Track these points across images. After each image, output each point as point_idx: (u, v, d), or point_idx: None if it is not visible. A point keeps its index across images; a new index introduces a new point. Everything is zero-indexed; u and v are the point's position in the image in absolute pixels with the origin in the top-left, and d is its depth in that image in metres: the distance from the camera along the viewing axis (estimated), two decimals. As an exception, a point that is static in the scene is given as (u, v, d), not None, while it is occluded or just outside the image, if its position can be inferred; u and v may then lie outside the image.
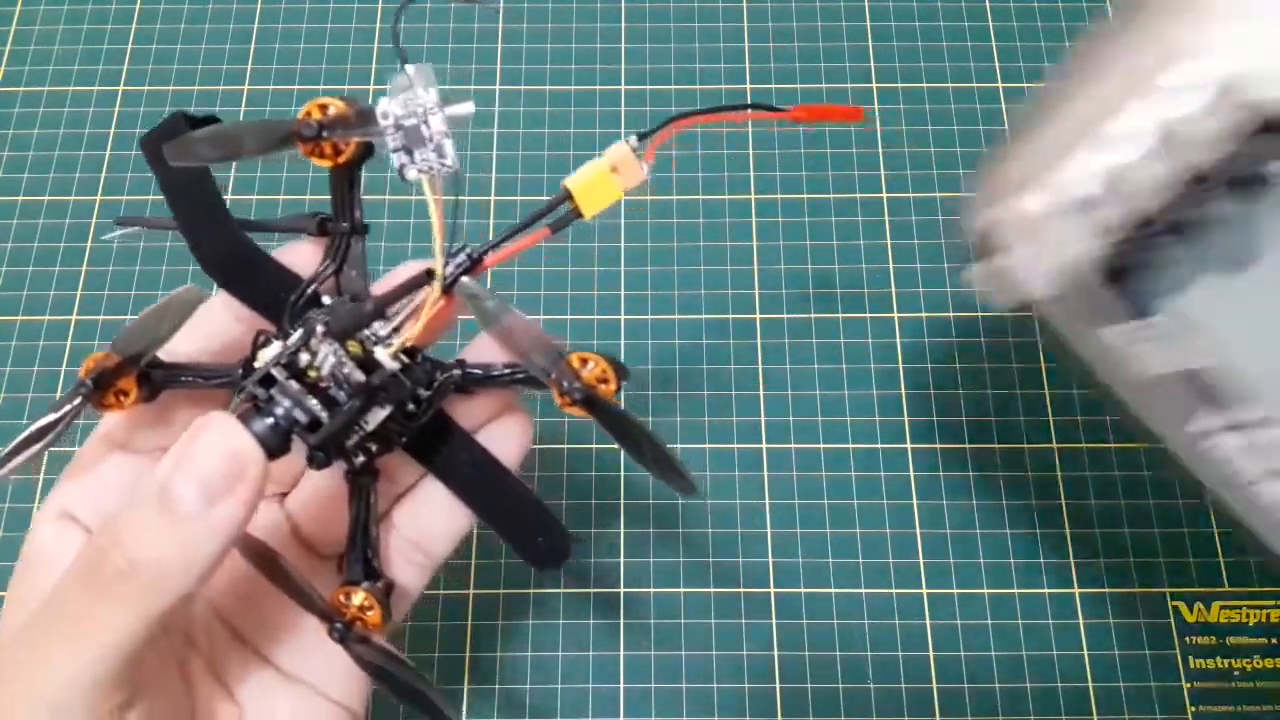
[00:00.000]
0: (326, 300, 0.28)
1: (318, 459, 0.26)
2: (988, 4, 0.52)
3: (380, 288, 0.28)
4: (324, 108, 0.25)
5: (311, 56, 0.51)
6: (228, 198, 0.31)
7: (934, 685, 0.39)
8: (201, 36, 0.51)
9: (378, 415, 0.26)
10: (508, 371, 0.28)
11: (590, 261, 0.47)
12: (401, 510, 0.31)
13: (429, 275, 0.26)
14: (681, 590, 0.40)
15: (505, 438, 0.30)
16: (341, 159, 0.26)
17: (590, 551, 0.41)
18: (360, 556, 0.28)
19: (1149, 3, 0.25)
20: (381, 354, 0.26)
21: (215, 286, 0.29)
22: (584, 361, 0.26)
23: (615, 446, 0.43)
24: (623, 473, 0.42)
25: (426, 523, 0.31)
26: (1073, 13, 0.51)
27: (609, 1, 0.53)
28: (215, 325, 0.30)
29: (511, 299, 0.40)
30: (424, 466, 0.30)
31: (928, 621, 0.41)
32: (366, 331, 0.26)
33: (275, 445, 0.25)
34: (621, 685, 0.39)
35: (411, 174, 0.24)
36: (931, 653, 0.39)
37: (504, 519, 0.30)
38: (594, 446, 0.43)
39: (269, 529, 0.31)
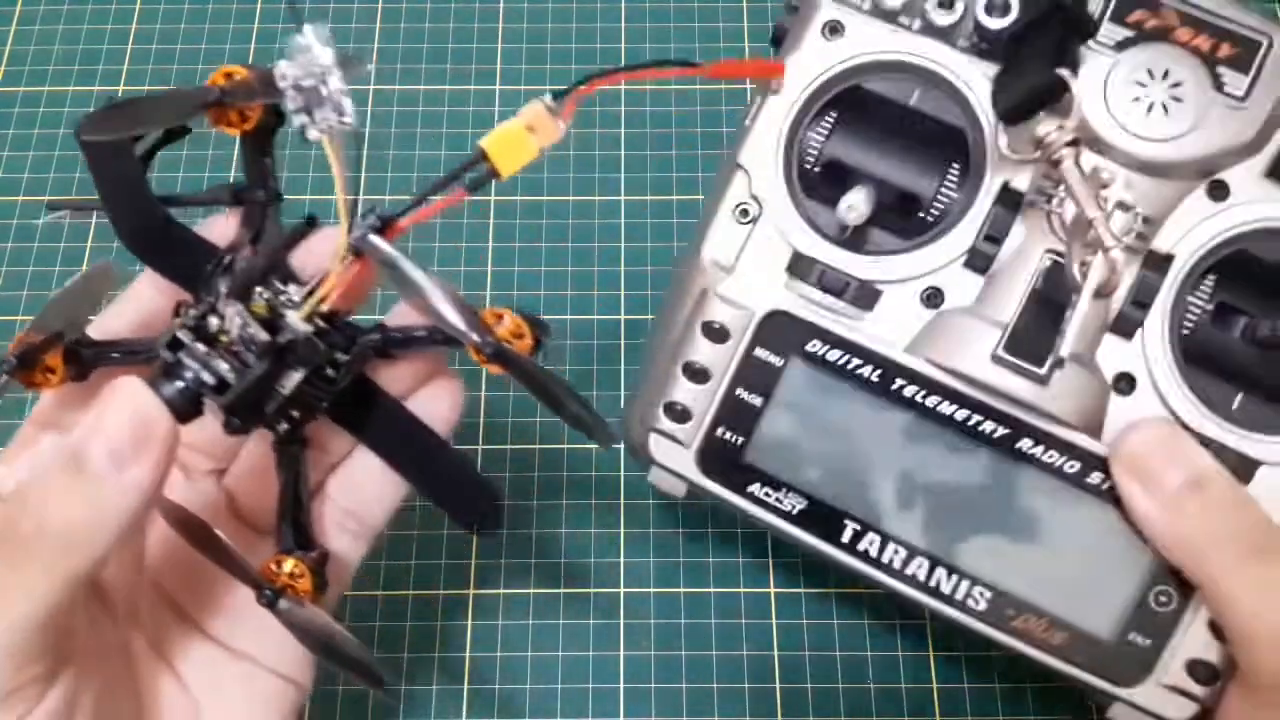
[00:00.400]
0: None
1: (232, 424, 0.26)
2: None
3: (300, 257, 0.28)
4: (228, 75, 0.26)
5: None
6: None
7: (934, 685, 0.39)
8: (202, 36, 0.52)
9: (293, 379, 0.27)
10: (426, 333, 0.28)
11: (589, 262, 0.46)
12: (335, 480, 0.31)
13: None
14: (681, 590, 0.40)
15: (435, 403, 0.30)
16: (249, 126, 0.27)
17: (590, 551, 0.41)
18: (291, 525, 0.29)
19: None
20: (292, 316, 0.26)
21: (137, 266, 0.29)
22: (498, 317, 0.26)
23: (616, 445, 0.43)
24: (623, 472, 0.42)
25: (360, 491, 0.31)
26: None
27: (609, 1, 0.53)
28: (143, 301, 0.30)
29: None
30: (352, 434, 0.30)
31: (927, 621, 0.41)
32: (281, 296, 0.27)
33: (184, 408, 0.25)
34: (621, 685, 0.39)
35: (312, 134, 0.25)
36: (931, 653, 0.39)
37: (436, 485, 0.31)
38: (593, 447, 0.43)
39: (208, 505, 0.31)
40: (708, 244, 0.32)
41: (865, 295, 0.31)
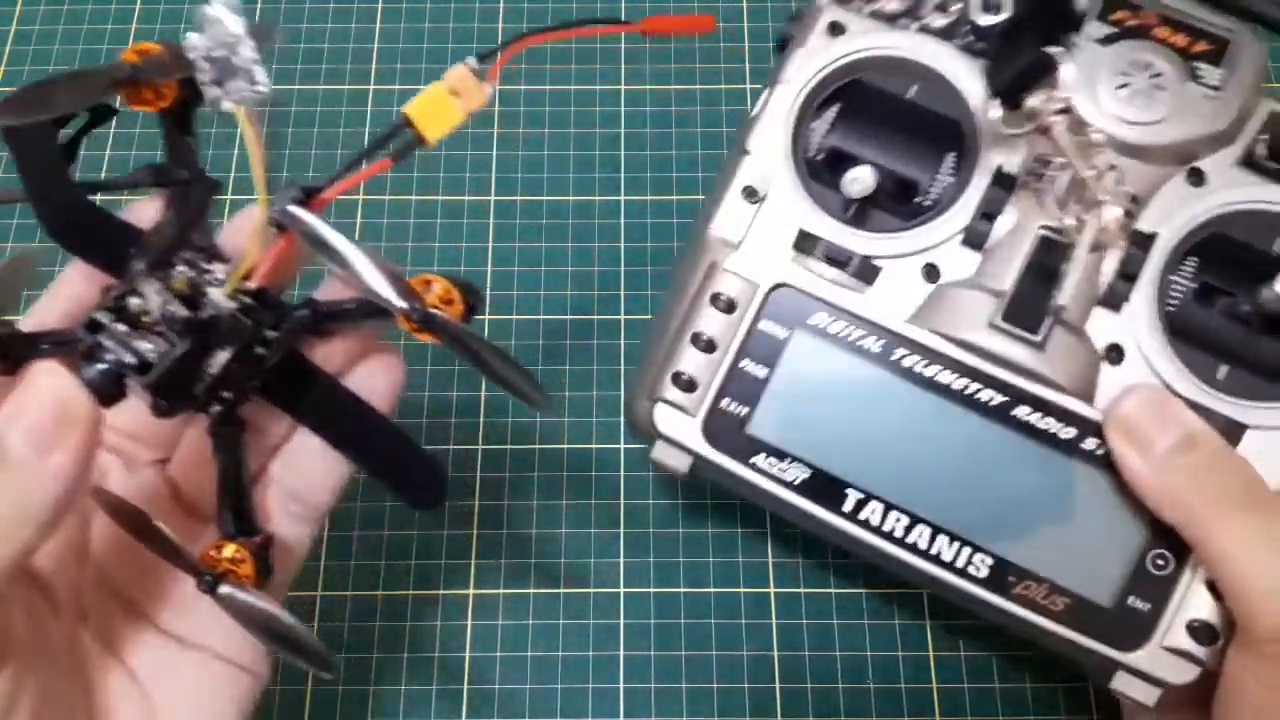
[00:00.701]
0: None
1: (159, 406, 0.26)
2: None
3: (226, 236, 0.28)
4: (140, 51, 0.26)
5: (311, 56, 0.51)
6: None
7: (934, 685, 0.39)
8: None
9: (219, 359, 0.27)
10: (357, 306, 0.28)
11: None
12: (277, 462, 0.31)
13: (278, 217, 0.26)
14: (681, 590, 0.40)
15: (372, 378, 0.30)
16: (165, 103, 0.26)
17: (590, 551, 0.41)
18: (231, 510, 0.28)
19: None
20: (215, 293, 0.26)
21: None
22: (427, 284, 0.26)
23: (616, 445, 0.43)
24: (623, 472, 0.42)
25: (303, 473, 0.31)
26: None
27: (610, 2, 0.53)
28: (74, 290, 0.30)
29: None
30: (289, 414, 0.30)
31: (927, 621, 0.41)
32: (206, 274, 0.27)
33: (107, 390, 0.25)
34: (621, 685, 0.39)
35: (226, 105, 0.24)
36: (931, 653, 0.40)
37: (378, 463, 0.31)
38: (594, 447, 0.43)
39: (151, 495, 0.31)
40: (716, 222, 0.34)
41: (867, 269, 0.32)
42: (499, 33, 0.53)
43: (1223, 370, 0.32)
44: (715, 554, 0.42)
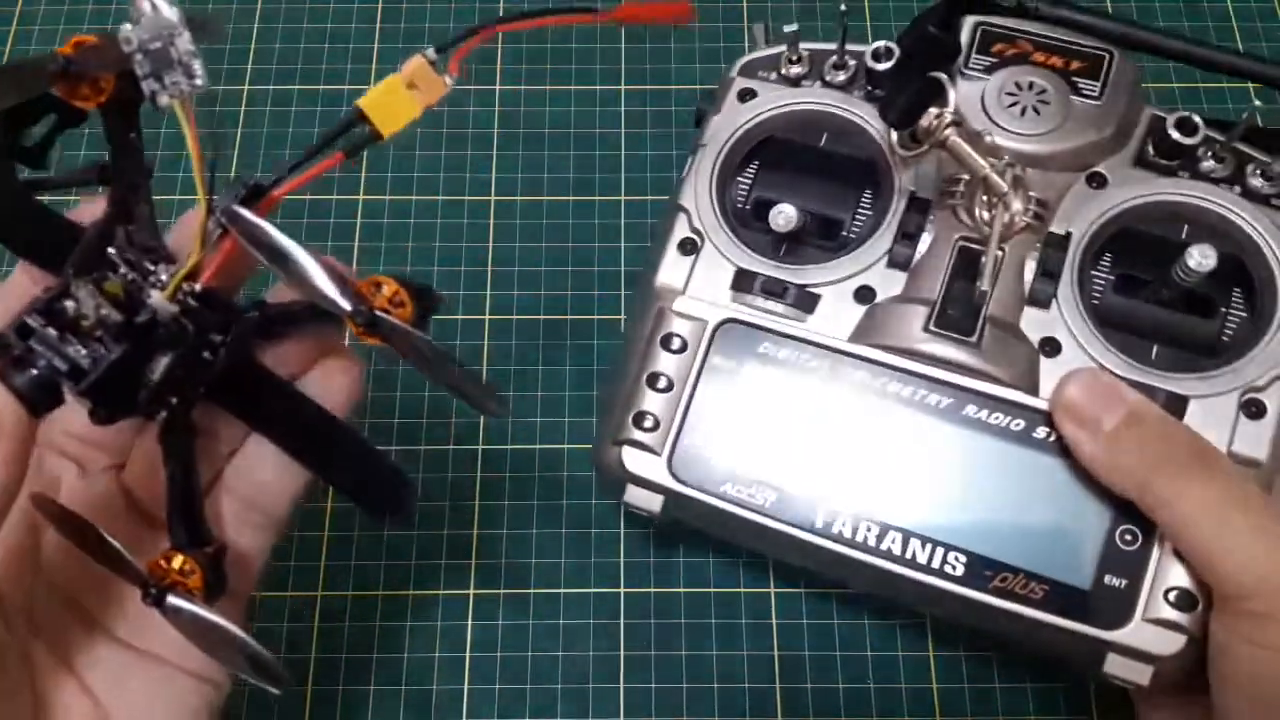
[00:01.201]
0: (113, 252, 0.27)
1: (98, 413, 0.25)
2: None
3: (174, 236, 0.28)
4: (77, 44, 0.25)
5: (312, 56, 0.52)
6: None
7: (933, 685, 0.39)
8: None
9: (161, 364, 0.26)
10: (306, 308, 0.28)
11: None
12: (232, 470, 0.31)
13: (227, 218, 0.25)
14: (681, 590, 0.41)
15: (328, 383, 0.30)
16: (103, 97, 0.25)
17: (590, 552, 0.42)
18: (182, 519, 0.28)
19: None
20: (156, 296, 0.26)
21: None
22: (376, 286, 0.25)
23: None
24: (623, 472, 0.42)
25: (259, 481, 0.30)
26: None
27: (609, 1, 0.53)
28: (21, 293, 0.29)
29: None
30: (242, 420, 0.30)
31: (927, 621, 0.42)
32: (150, 276, 0.26)
33: (39, 397, 0.24)
34: (621, 685, 0.40)
35: (163, 100, 0.24)
36: (931, 653, 0.40)
37: (336, 471, 0.30)
38: (592, 447, 0.43)
39: (105, 503, 0.30)
40: (661, 273, 0.37)
41: (805, 299, 0.36)
42: (498, 33, 0.53)
43: (1155, 350, 0.35)
44: (715, 554, 0.42)
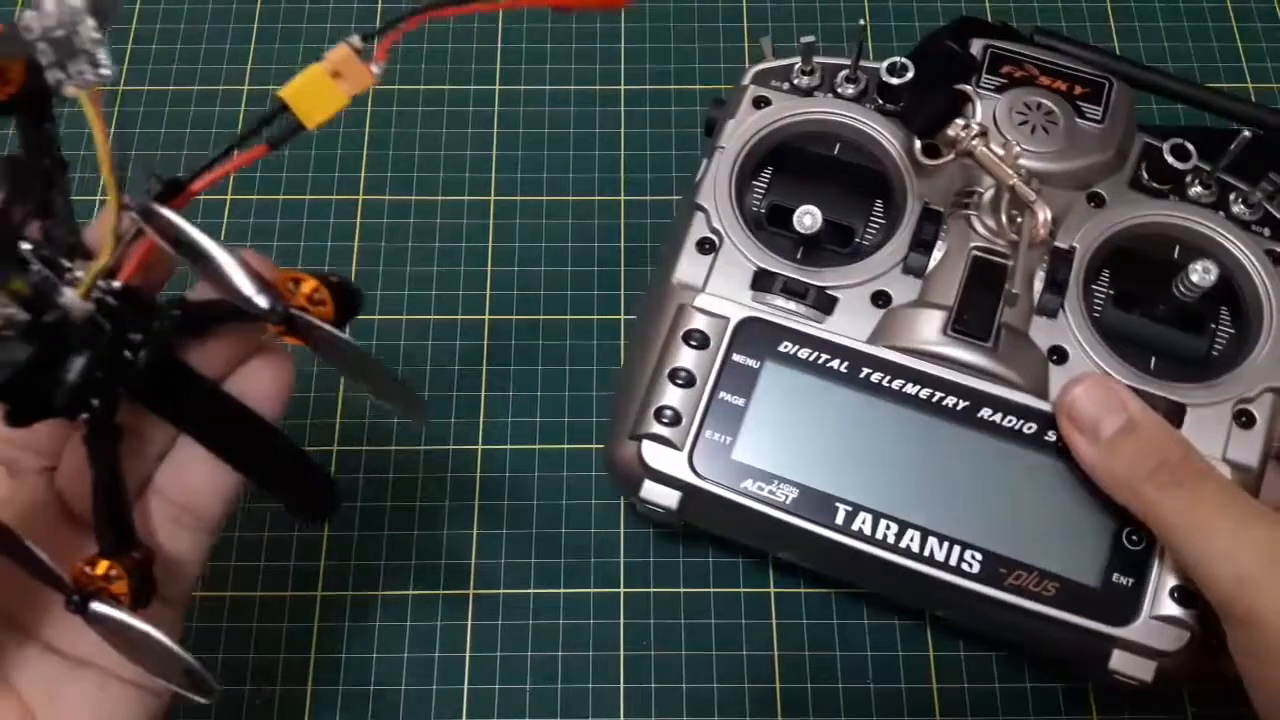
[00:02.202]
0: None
1: (12, 415, 0.25)
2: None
3: (94, 234, 0.27)
4: None
5: (311, 56, 0.51)
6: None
7: (933, 685, 0.40)
8: (201, 36, 0.53)
9: (77, 364, 0.25)
10: (227, 306, 0.26)
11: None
12: (162, 472, 0.30)
13: (143, 211, 0.25)
14: (681, 590, 0.41)
15: (255, 382, 0.29)
16: (11, 89, 0.25)
17: (590, 552, 0.42)
18: (109, 524, 0.27)
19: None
20: (70, 294, 0.25)
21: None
22: (295, 282, 0.25)
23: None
24: (623, 472, 0.42)
25: (190, 482, 0.30)
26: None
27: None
28: None
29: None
30: (167, 421, 0.29)
31: (927, 621, 0.43)
32: (67, 273, 0.25)
33: None
34: (621, 685, 0.40)
35: (69, 90, 0.23)
36: (931, 653, 0.40)
37: (263, 471, 0.30)
38: (593, 447, 0.44)
39: (35, 505, 0.30)
40: (679, 271, 0.39)
41: (824, 300, 0.38)
42: (499, 33, 0.53)
43: (1154, 360, 0.38)
44: (715, 554, 0.44)
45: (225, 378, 0.29)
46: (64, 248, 0.26)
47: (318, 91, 0.24)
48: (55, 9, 0.22)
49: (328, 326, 0.25)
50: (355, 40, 0.24)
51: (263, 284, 0.24)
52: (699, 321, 0.38)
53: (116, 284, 0.26)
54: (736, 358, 0.37)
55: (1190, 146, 0.39)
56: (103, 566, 0.27)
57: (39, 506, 0.30)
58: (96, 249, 0.26)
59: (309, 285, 0.25)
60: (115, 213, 0.25)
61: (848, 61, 0.42)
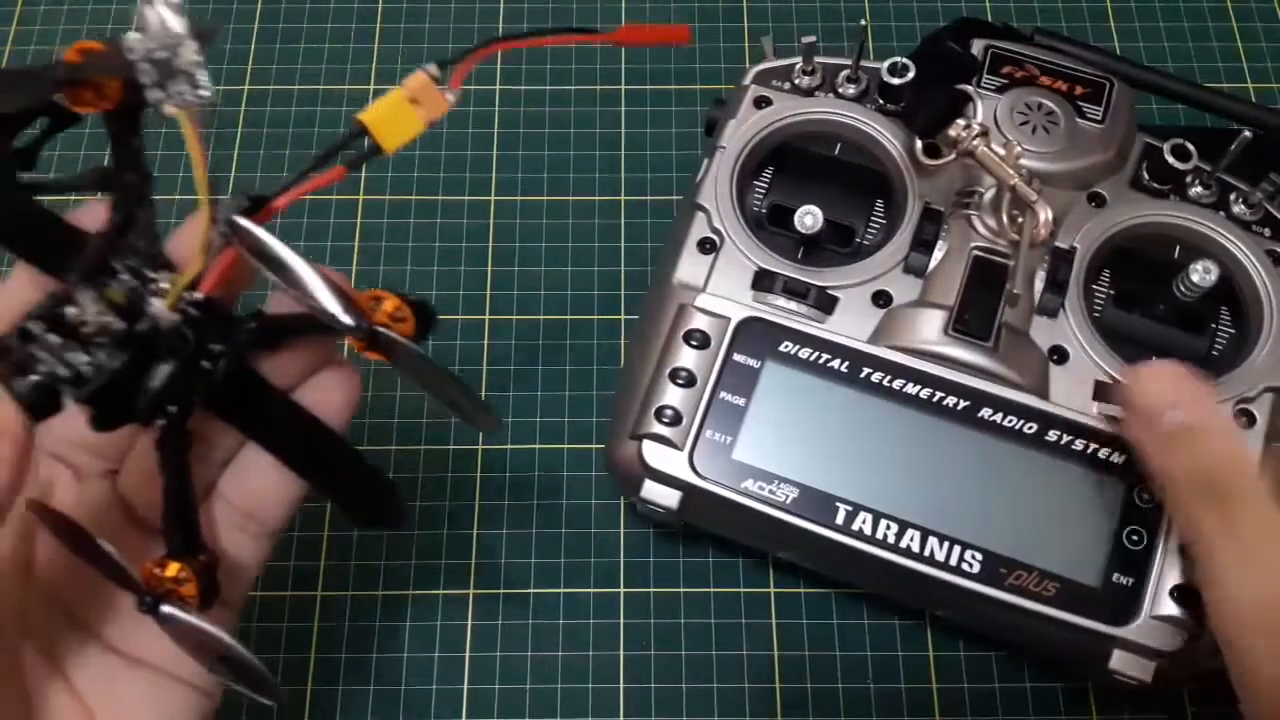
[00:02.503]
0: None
1: (99, 420, 0.26)
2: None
3: (174, 244, 0.28)
4: (83, 51, 0.25)
5: (311, 56, 0.52)
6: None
7: (933, 685, 0.40)
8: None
9: (161, 372, 0.26)
10: (306, 320, 0.28)
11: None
12: (227, 478, 0.31)
13: (229, 225, 0.26)
14: (681, 590, 0.41)
15: (324, 394, 0.30)
16: (108, 104, 0.26)
17: (590, 551, 0.42)
18: (177, 527, 0.28)
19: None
20: (158, 304, 0.26)
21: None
22: (376, 300, 0.26)
23: (614, 446, 0.43)
24: (623, 472, 0.42)
25: (255, 490, 0.31)
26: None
27: (609, 2, 0.54)
28: (20, 296, 0.29)
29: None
30: (236, 429, 0.30)
31: (927, 621, 0.43)
32: (151, 284, 0.26)
33: (40, 403, 0.25)
34: (621, 685, 0.41)
35: (168, 109, 0.24)
36: (931, 653, 0.40)
37: (329, 481, 0.31)
38: (594, 447, 0.44)
39: (100, 508, 0.31)
40: (679, 271, 0.39)
41: (824, 300, 0.38)
42: (499, 33, 0.53)
43: (1154, 360, 0.38)
44: (715, 554, 0.44)
45: (294, 388, 0.30)
46: (147, 259, 0.27)
47: (397, 117, 0.25)
48: (159, 32, 0.23)
49: (410, 343, 0.26)
50: (432, 68, 0.25)
51: (347, 301, 0.25)
52: (699, 321, 0.38)
53: (198, 295, 0.26)
54: (737, 357, 0.37)
55: (1190, 146, 0.39)
56: (173, 569, 0.27)
57: (104, 509, 0.31)
58: (177, 261, 0.27)
59: (391, 303, 0.26)
60: (207, 227, 0.25)
61: (849, 61, 0.42)
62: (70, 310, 0.25)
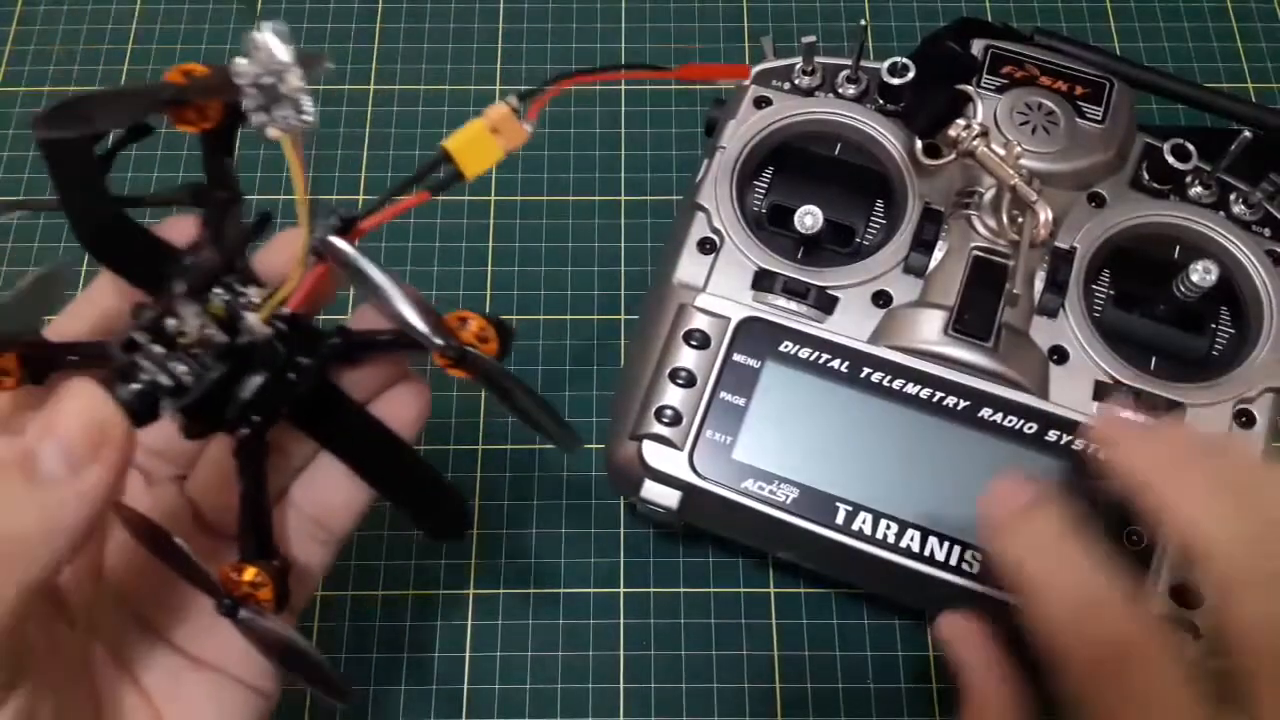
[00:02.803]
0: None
1: (191, 428, 0.27)
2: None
3: (262, 259, 0.29)
4: (186, 73, 0.27)
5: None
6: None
7: (933, 685, 0.40)
8: (202, 37, 0.53)
9: (252, 383, 0.27)
10: (390, 337, 0.29)
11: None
12: (299, 486, 0.32)
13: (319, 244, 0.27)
14: (681, 590, 0.41)
15: (399, 407, 0.31)
16: (208, 124, 0.27)
17: (590, 551, 0.42)
18: (252, 533, 0.29)
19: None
20: (252, 318, 0.27)
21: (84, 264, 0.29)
22: (462, 320, 0.27)
23: (615, 446, 0.43)
24: (623, 472, 0.42)
25: (325, 498, 0.32)
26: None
27: (609, 2, 0.54)
28: (101, 304, 0.31)
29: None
30: (315, 439, 0.31)
31: (927, 621, 0.43)
32: (242, 298, 0.28)
33: (141, 410, 0.26)
34: (621, 685, 0.41)
35: (271, 132, 0.25)
36: (931, 653, 0.41)
37: (401, 491, 0.32)
38: (594, 447, 0.45)
39: (170, 512, 0.32)
40: (679, 271, 0.39)
41: (824, 300, 0.38)
42: (499, 33, 0.53)
43: (1153, 361, 0.38)
44: (715, 554, 0.44)
45: (369, 402, 0.31)
46: (237, 274, 0.28)
47: (478, 145, 0.26)
48: (266, 59, 0.24)
49: (496, 363, 0.27)
50: (514, 100, 0.27)
51: (436, 322, 0.26)
52: (699, 321, 0.38)
53: (286, 310, 0.27)
54: (737, 357, 0.37)
55: (1190, 147, 0.40)
56: (250, 573, 0.28)
57: (175, 514, 0.32)
58: (265, 276, 0.28)
59: (477, 324, 0.27)
60: (306, 245, 0.26)
61: (849, 61, 0.42)
62: (170, 322, 0.26)
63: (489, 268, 0.49)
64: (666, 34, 0.55)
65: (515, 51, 0.55)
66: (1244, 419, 0.36)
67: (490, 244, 0.50)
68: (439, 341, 0.26)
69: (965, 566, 0.35)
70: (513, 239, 0.50)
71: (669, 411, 0.37)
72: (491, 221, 0.50)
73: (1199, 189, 0.40)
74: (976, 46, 0.42)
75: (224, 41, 0.55)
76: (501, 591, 0.44)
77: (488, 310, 0.27)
